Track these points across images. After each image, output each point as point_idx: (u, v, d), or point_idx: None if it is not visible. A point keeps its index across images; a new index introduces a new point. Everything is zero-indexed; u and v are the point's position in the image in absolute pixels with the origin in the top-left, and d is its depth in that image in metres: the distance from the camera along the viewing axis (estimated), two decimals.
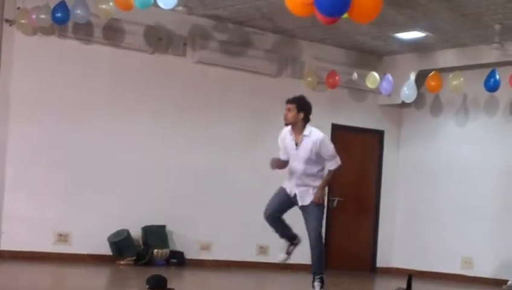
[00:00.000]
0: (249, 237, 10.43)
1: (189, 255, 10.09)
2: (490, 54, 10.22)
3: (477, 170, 10.74)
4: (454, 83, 10.32)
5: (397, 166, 11.86)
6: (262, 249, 10.65)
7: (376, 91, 11.20)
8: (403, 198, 11.73)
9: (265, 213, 7.20)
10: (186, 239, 10.09)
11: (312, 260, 7.02)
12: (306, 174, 7.04)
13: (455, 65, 10.74)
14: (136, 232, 9.65)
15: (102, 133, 9.65)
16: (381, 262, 11.60)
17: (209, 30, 10.38)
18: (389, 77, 10.86)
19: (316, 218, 7.03)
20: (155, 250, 9.62)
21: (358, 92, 11.55)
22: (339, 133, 11.46)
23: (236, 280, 9.14)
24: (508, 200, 10.14)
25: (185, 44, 10.27)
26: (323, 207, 7.18)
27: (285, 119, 7.07)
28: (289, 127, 7.10)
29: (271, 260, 10.55)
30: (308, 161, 6.99)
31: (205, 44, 10.31)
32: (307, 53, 11.20)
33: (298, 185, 7.07)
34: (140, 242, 9.74)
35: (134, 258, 9.52)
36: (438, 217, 11.10)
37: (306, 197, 7.06)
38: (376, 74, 10.88)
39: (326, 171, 7.14)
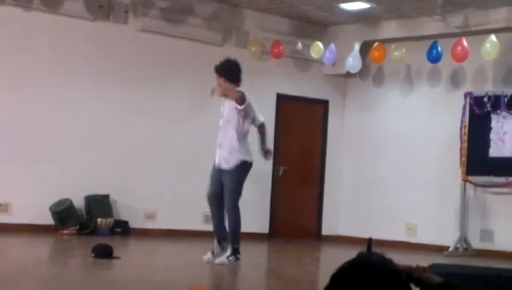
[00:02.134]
0: (194, 206, 10.36)
1: (133, 224, 9.98)
2: (433, 26, 10.34)
3: (421, 139, 10.89)
4: (396, 53, 10.43)
5: (342, 135, 11.94)
6: (208, 218, 10.56)
7: (321, 61, 11.22)
8: (348, 167, 11.82)
9: (207, 196, 7.24)
10: (130, 208, 9.98)
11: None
12: (227, 134, 7.08)
13: (398, 36, 10.82)
14: (78, 201, 9.49)
15: (43, 101, 9.43)
16: (326, 230, 11.69)
17: None
18: (332, 47, 10.87)
19: (233, 186, 6.99)
20: (99, 219, 9.48)
21: (303, 62, 11.55)
22: (284, 103, 11.47)
23: (182, 248, 9.10)
24: (450, 169, 10.32)
25: (126, 11, 10.07)
26: (242, 176, 7.07)
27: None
28: None
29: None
30: (228, 120, 7.05)
31: (147, 12, 10.13)
32: (251, 22, 11.12)
33: (224, 148, 7.06)
34: (84, 212, 9.59)
35: (78, 227, 9.38)
36: (383, 185, 11.23)
37: (228, 160, 7.02)
38: (320, 44, 10.89)
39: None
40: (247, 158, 7.07)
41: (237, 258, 6.99)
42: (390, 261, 1.85)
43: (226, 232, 7.13)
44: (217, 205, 7.15)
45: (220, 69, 7.13)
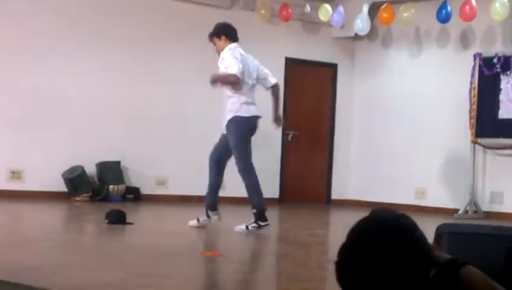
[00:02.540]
0: (204, 172, 10.37)
1: (145, 190, 10.06)
2: None
3: (430, 101, 10.85)
4: (405, 15, 10.37)
5: (351, 98, 11.92)
6: None
7: (329, 24, 11.17)
8: (357, 130, 11.83)
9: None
10: (141, 175, 10.06)
11: None
12: (224, 95, 7.07)
13: None
14: (90, 169, 9.57)
15: (53, 68, 9.46)
16: (336, 194, 11.75)
17: None
18: (341, 9, 10.81)
19: (233, 150, 6.92)
20: (111, 186, 9.56)
21: (312, 24, 11.49)
22: (292, 67, 11.44)
23: (193, 214, 9.14)
24: (459, 131, 10.31)
25: None
26: (237, 136, 6.90)
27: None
28: None
29: (227, 194, 10.60)
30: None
31: None
32: None
33: (223, 114, 7.05)
34: (95, 178, 9.68)
35: (90, 194, 9.47)
36: (392, 148, 11.23)
37: (224, 120, 7.02)
38: (328, 6, 10.82)
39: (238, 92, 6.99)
40: (239, 113, 6.88)
41: (258, 226, 6.81)
42: (406, 216, 1.87)
43: (211, 200, 7.12)
44: (212, 168, 7.18)
45: (218, 30, 7.09)
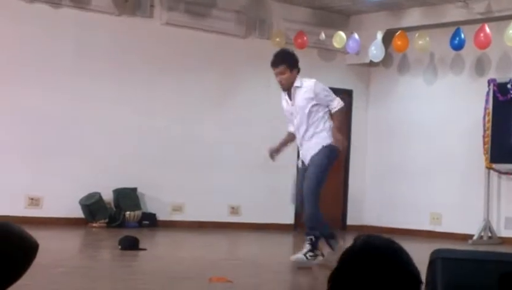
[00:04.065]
0: (220, 198, 10.52)
1: (161, 216, 10.16)
2: (455, 13, 10.32)
3: (445, 128, 10.88)
4: (420, 42, 10.43)
5: (366, 124, 11.98)
6: (234, 210, 10.76)
7: (344, 51, 11.28)
8: (372, 156, 11.86)
9: (293, 201, 6.75)
10: (157, 201, 10.16)
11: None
12: (309, 124, 6.54)
13: (421, 24, 10.82)
14: (107, 195, 9.69)
15: (71, 96, 9.63)
16: (351, 220, 11.77)
17: None
18: (356, 36, 10.92)
19: (313, 172, 6.43)
20: (127, 212, 9.67)
21: (327, 52, 11.60)
22: None
23: (209, 239, 9.24)
24: (473, 156, 10.31)
25: (152, 5, 10.25)
26: (324, 162, 6.48)
27: (282, 84, 6.52)
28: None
29: (242, 220, 10.70)
30: (308, 110, 6.53)
31: (173, 5, 10.29)
32: (274, 14, 11.20)
33: (305, 142, 6.59)
34: (112, 205, 9.80)
35: (107, 220, 9.58)
36: (407, 174, 11.25)
37: (308, 153, 6.57)
38: (343, 34, 10.93)
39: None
40: None
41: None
42: (394, 241, 1.92)
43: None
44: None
45: (295, 62, 6.54)
